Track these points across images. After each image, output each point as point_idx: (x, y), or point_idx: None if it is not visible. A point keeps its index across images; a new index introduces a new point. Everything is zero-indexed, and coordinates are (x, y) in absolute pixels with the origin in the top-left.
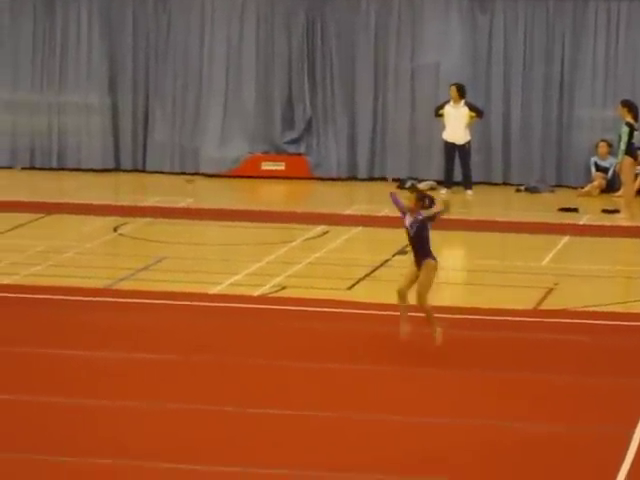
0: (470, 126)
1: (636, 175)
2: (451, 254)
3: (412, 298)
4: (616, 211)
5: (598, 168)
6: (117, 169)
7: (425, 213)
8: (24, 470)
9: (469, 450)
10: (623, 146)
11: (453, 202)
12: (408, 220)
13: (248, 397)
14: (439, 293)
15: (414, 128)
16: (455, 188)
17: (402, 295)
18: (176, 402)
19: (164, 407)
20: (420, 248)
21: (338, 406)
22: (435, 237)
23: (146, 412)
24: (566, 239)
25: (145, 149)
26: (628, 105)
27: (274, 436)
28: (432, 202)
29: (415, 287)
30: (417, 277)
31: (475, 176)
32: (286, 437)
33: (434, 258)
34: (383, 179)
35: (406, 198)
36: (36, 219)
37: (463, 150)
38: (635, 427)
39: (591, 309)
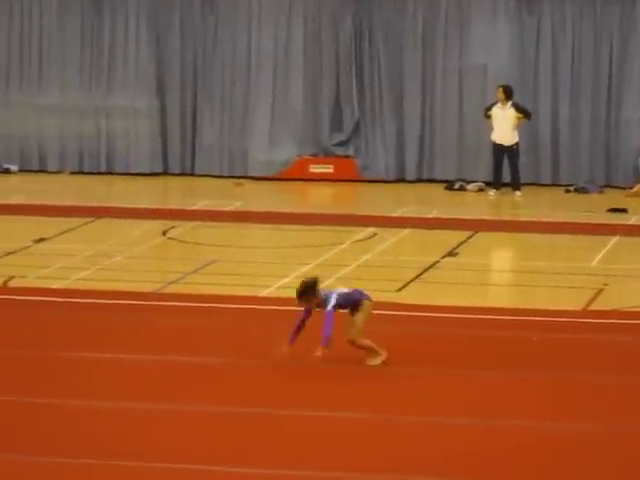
0: (518, 127)
1: None
2: (500, 255)
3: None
4: None
5: None
6: (165, 173)
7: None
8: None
9: (509, 451)
10: None
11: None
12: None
13: (297, 399)
14: (488, 295)
15: (462, 130)
16: (504, 189)
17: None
18: (224, 405)
19: (213, 410)
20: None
21: (385, 408)
22: (484, 238)
23: (195, 415)
24: (615, 239)
25: (194, 152)
26: None
27: (317, 438)
28: (314, 291)
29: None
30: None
31: (524, 177)
32: (328, 439)
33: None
34: (432, 181)
35: (300, 303)
36: (85, 223)
37: (511, 151)
38: None
39: None
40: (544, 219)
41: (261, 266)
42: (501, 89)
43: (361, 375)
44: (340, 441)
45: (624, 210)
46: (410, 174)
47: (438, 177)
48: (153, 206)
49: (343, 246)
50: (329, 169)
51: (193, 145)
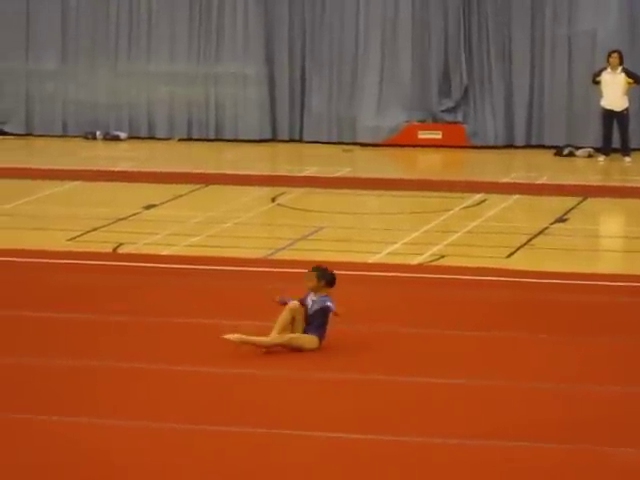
0: (628, 93)
1: None
2: (610, 221)
3: None
4: None
5: None
6: (274, 139)
7: (329, 303)
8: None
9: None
10: None
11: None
12: (310, 298)
13: (403, 366)
14: (597, 261)
15: (571, 95)
16: (613, 155)
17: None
18: (328, 371)
19: (319, 377)
20: (312, 324)
21: (497, 374)
22: (594, 204)
23: (303, 381)
24: None
25: (302, 119)
26: None
27: (425, 405)
28: (331, 283)
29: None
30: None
31: (634, 143)
32: (435, 406)
33: (320, 337)
34: (541, 147)
35: (307, 278)
36: (194, 190)
37: (621, 117)
38: None
39: None
40: None
41: (370, 232)
42: (611, 54)
43: (479, 341)
44: (432, 407)
45: None
46: (519, 140)
47: (547, 143)
48: (262, 173)
49: (452, 212)
50: (437, 135)
51: (302, 112)
